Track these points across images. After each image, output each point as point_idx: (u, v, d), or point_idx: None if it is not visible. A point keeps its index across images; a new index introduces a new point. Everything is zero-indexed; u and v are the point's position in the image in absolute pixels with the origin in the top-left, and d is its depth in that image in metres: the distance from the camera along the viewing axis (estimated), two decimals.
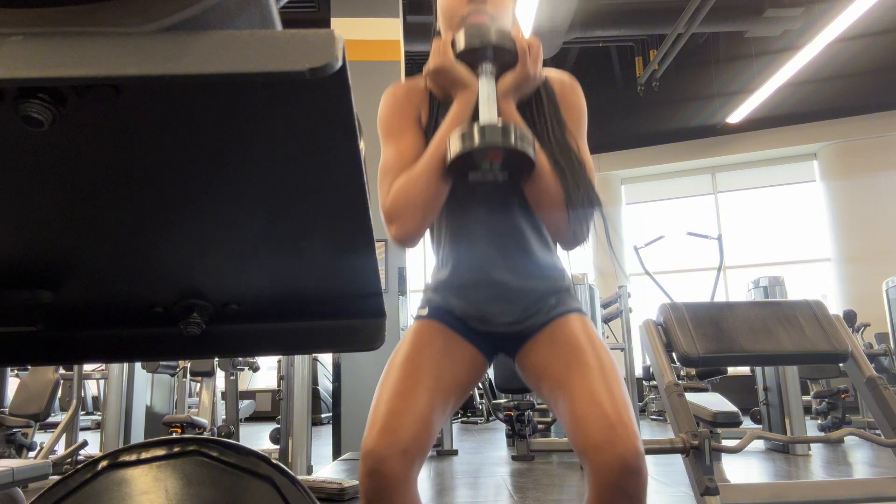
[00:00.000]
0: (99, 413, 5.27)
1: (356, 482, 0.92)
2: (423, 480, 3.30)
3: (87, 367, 4.94)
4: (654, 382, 6.12)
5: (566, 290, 1.18)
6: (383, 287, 0.74)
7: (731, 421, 3.54)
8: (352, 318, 0.64)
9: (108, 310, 0.62)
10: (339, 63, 0.31)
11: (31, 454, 3.72)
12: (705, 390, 4.39)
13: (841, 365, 1.69)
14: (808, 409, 4.80)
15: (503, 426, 5.14)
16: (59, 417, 4.54)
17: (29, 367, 4.17)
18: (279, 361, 4.17)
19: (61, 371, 4.18)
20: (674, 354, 1.68)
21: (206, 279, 0.56)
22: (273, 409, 8.00)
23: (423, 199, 1.06)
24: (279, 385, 3.89)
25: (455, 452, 4.45)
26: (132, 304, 0.60)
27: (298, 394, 3.51)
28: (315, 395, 7.77)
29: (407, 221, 1.06)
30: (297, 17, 7.10)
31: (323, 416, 8.09)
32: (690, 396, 3.25)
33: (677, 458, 1.54)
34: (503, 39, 1.06)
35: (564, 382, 1.03)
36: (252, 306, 0.61)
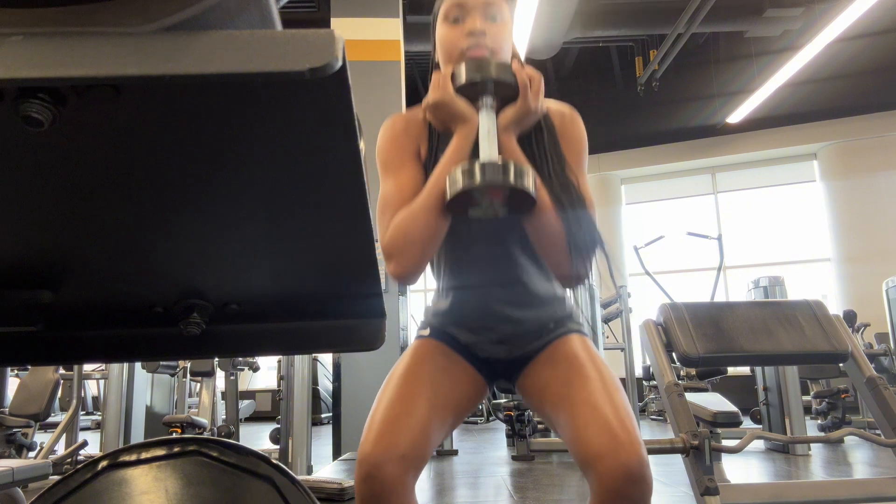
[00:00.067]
0: (99, 413, 5.27)
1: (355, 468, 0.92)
2: (423, 480, 3.30)
3: (87, 367, 4.94)
4: (654, 382, 6.11)
5: (567, 316, 1.19)
6: (383, 287, 0.74)
7: (731, 421, 3.54)
8: (352, 318, 0.64)
9: (108, 310, 0.62)
10: (339, 63, 0.31)
11: (31, 454, 3.72)
12: (705, 390, 4.39)
13: (841, 365, 1.69)
14: (808, 409, 4.80)
15: (503, 426, 5.14)
16: (59, 417, 4.54)
17: (29, 367, 4.17)
18: (279, 361, 4.18)
19: (61, 371, 4.18)
20: (674, 354, 1.68)
21: (206, 279, 0.56)
22: (273, 409, 8.00)
23: (422, 235, 1.04)
24: (279, 385, 3.89)
25: (455, 452, 4.45)
26: (132, 304, 0.60)
27: (298, 394, 3.51)
28: (315, 395, 7.76)
29: (406, 258, 1.04)
30: (297, 17, 7.10)
31: (323, 416, 8.09)
32: (690, 396, 3.26)
33: (677, 458, 1.54)
34: (503, 73, 1.04)
35: (565, 397, 1.02)
36: (252, 306, 0.61)
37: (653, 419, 7.22)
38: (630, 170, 9.94)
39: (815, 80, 8.30)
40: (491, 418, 7.46)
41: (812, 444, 4.23)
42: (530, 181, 0.96)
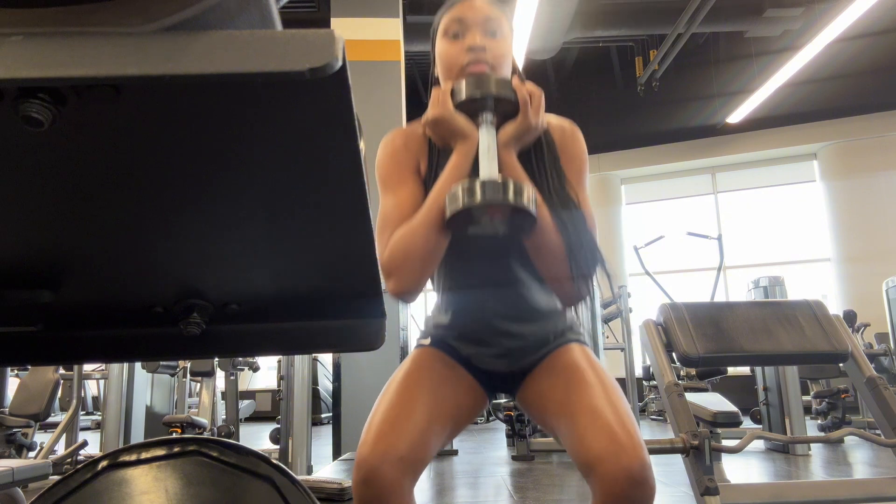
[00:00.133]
0: (99, 413, 5.27)
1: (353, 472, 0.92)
2: (423, 480, 3.30)
3: (87, 367, 4.94)
4: (654, 382, 6.11)
5: (568, 328, 1.18)
6: (383, 287, 0.74)
7: (731, 421, 3.53)
8: (352, 318, 0.64)
9: (108, 310, 0.61)
10: (339, 63, 0.31)
11: (31, 454, 3.72)
12: (705, 390, 4.39)
13: (841, 365, 1.69)
14: (808, 409, 4.80)
15: (503, 426, 5.14)
16: (59, 417, 4.54)
17: (29, 367, 4.17)
18: (279, 361, 4.18)
19: (61, 371, 4.18)
20: (674, 354, 1.68)
21: (206, 279, 0.56)
22: (273, 409, 8.00)
23: (421, 253, 1.03)
24: (279, 385, 3.89)
25: (455, 452, 4.45)
26: (132, 304, 0.60)
27: (298, 394, 3.51)
28: (315, 395, 7.77)
29: (405, 276, 1.03)
30: (297, 17, 7.10)
31: (323, 416, 8.09)
32: (690, 396, 3.25)
33: (677, 458, 1.54)
34: (504, 89, 1.03)
35: (565, 404, 1.02)
36: (252, 306, 0.61)
37: (653, 419, 7.22)
38: (630, 170, 9.94)
39: (815, 80, 8.30)
40: (491, 418, 7.46)
41: (812, 444, 4.23)
42: (531, 199, 0.95)
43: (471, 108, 1.05)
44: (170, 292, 0.57)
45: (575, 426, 0.96)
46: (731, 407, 3.69)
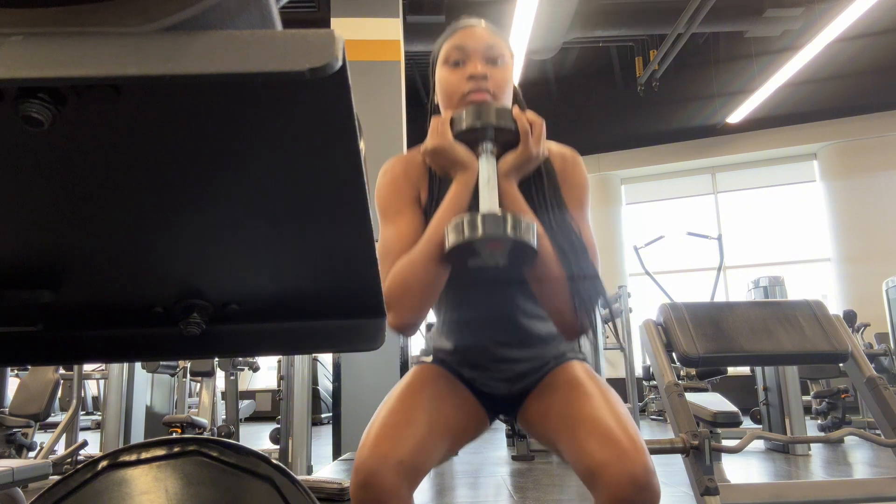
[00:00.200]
0: (99, 413, 5.27)
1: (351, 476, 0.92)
2: (423, 480, 3.30)
3: (87, 367, 4.94)
4: (654, 382, 6.11)
5: (569, 349, 1.18)
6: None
7: (731, 421, 3.54)
8: (352, 318, 0.64)
9: (108, 310, 0.62)
10: (339, 63, 0.31)
11: (31, 454, 3.72)
12: (705, 390, 4.39)
13: (841, 365, 1.69)
14: (808, 409, 4.80)
15: (503, 426, 5.14)
16: (59, 417, 4.54)
17: (29, 367, 4.18)
18: (279, 361, 4.18)
19: (61, 371, 4.18)
20: (674, 354, 1.68)
21: (206, 279, 0.56)
22: (273, 409, 8.00)
23: (420, 286, 1.01)
24: (279, 385, 3.89)
25: (455, 452, 4.45)
26: (132, 304, 0.60)
27: (298, 394, 3.51)
28: (315, 395, 7.77)
29: (405, 309, 1.01)
30: (297, 17, 7.10)
31: (323, 416, 8.09)
32: (690, 396, 3.25)
33: (677, 458, 1.54)
34: (504, 119, 1.02)
35: (566, 416, 1.01)
36: (252, 306, 0.61)
37: (653, 419, 7.22)
38: (630, 170, 9.94)
39: (815, 80, 8.30)
40: None
41: (812, 444, 4.23)
42: (532, 233, 0.93)
43: (470, 138, 1.03)
44: (170, 292, 0.57)
45: (576, 435, 0.95)
46: (731, 407, 3.69)
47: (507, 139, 1.04)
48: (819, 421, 5.49)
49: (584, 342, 1.14)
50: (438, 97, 1.16)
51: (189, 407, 5.31)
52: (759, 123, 8.83)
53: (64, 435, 3.74)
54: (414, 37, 6.84)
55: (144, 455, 0.75)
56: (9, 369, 4.13)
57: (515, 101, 1.18)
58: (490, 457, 4.39)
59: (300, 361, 3.55)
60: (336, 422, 4.15)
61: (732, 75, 8.96)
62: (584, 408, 0.99)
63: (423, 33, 6.98)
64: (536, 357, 1.16)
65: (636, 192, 10.17)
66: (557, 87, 9.55)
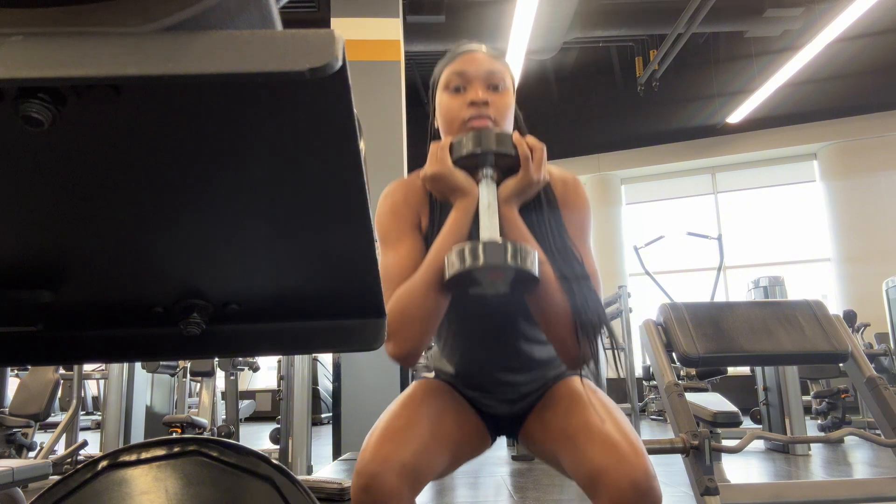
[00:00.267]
0: (99, 413, 5.27)
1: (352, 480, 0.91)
2: None
3: (87, 367, 4.94)
4: (654, 382, 6.11)
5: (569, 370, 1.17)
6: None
7: (731, 421, 3.53)
8: (352, 318, 0.64)
9: (108, 310, 0.61)
10: (339, 63, 0.31)
11: (31, 454, 3.72)
12: (705, 390, 4.39)
13: (841, 365, 1.69)
14: (808, 409, 4.80)
15: None
16: (59, 417, 4.54)
17: (29, 367, 4.18)
18: (279, 361, 4.18)
19: (61, 371, 4.18)
20: (674, 354, 1.68)
21: (206, 279, 0.56)
22: (273, 409, 8.00)
23: (420, 315, 0.99)
24: (279, 385, 3.89)
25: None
26: (132, 304, 0.60)
27: (298, 394, 3.51)
28: (315, 395, 7.77)
29: (405, 339, 0.99)
30: (297, 17, 7.10)
31: (323, 416, 8.09)
32: (690, 396, 3.25)
33: (677, 458, 1.54)
34: (504, 145, 1.00)
35: (565, 427, 1.01)
36: (252, 306, 0.61)
37: (653, 419, 7.22)
38: (630, 170, 9.94)
39: (815, 80, 8.30)
40: None
41: (812, 444, 4.23)
42: (533, 261, 0.92)
43: (470, 164, 1.02)
44: (170, 292, 0.57)
45: (576, 443, 0.95)
46: (731, 407, 3.69)
47: (507, 164, 1.02)
48: (819, 421, 5.49)
49: (586, 372, 1.13)
50: (439, 122, 1.14)
51: (189, 407, 5.31)
52: (759, 123, 8.83)
53: (64, 435, 3.74)
54: (414, 37, 6.84)
55: (144, 455, 0.75)
56: (9, 369, 4.13)
57: (516, 125, 1.16)
58: (490, 457, 4.39)
59: (300, 361, 3.55)
60: (336, 422, 4.15)
61: (732, 75, 8.96)
62: (583, 417, 0.98)
63: (423, 33, 6.98)
64: (538, 379, 1.17)
65: (636, 192, 10.17)
66: (557, 87, 9.55)
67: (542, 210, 1.08)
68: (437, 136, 1.16)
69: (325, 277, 0.57)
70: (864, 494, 1.49)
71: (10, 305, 0.55)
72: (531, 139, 1.05)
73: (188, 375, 4.90)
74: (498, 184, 1.03)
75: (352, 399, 4.08)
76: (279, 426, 3.84)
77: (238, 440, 3.10)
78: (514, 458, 4.14)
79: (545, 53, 7.66)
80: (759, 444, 4.41)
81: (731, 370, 6.45)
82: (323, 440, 5.23)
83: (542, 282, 0.96)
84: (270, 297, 0.61)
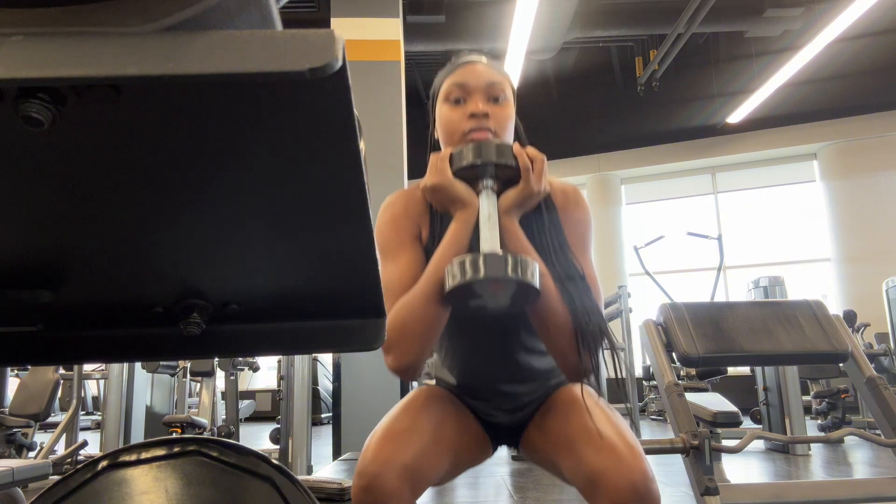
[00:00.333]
0: (99, 413, 5.27)
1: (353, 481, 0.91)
2: None
3: (87, 367, 4.94)
4: (654, 382, 6.11)
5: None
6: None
7: (731, 421, 3.53)
8: (352, 318, 0.64)
9: (108, 310, 0.62)
10: (339, 63, 0.31)
11: (31, 454, 3.72)
12: (705, 390, 4.39)
13: (841, 365, 1.69)
14: (808, 409, 4.80)
15: None
16: (59, 417, 4.54)
17: (29, 367, 4.18)
18: (279, 361, 4.18)
19: (61, 371, 4.18)
20: (674, 354, 1.68)
21: (206, 279, 0.56)
22: (273, 409, 8.00)
23: (420, 327, 0.98)
24: (279, 385, 3.89)
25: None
26: (132, 304, 0.60)
27: (298, 394, 3.51)
28: (315, 395, 7.77)
29: (405, 352, 0.98)
30: (297, 17, 7.10)
31: (323, 416, 8.09)
32: (690, 396, 3.25)
33: (677, 458, 1.54)
34: (504, 156, 0.99)
35: (563, 433, 1.00)
36: (252, 306, 0.61)
37: (653, 419, 7.22)
38: (630, 170, 9.95)
39: (815, 80, 8.30)
40: None
41: (812, 444, 4.23)
42: (534, 273, 0.91)
43: (470, 175, 1.01)
44: (170, 292, 0.57)
45: (574, 447, 0.95)
46: (731, 407, 3.69)
47: (507, 176, 1.01)
48: (819, 421, 5.49)
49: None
50: (439, 134, 1.14)
51: (189, 407, 5.31)
52: (759, 123, 8.83)
53: (64, 435, 3.74)
54: (414, 37, 6.84)
55: (144, 455, 0.75)
56: (9, 369, 4.13)
57: (517, 136, 1.15)
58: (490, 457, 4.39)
59: (300, 361, 3.55)
60: (336, 422, 4.15)
61: (732, 75, 8.96)
62: (581, 422, 0.98)
63: (423, 33, 6.98)
64: (539, 388, 1.17)
65: (636, 192, 10.17)
66: (557, 87, 9.55)
67: (542, 221, 1.07)
68: (436, 147, 1.15)
69: (325, 277, 0.57)
70: (864, 494, 1.49)
71: (10, 305, 0.55)
72: (531, 150, 1.04)
73: (188, 375, 4.90)
74: (498, 195, 1.02)
75: (352, 399, 4.08)
76: (279, 426, 3.84)
77: (238, 440, 3.10)
78: (514, 458, 4.13)
79: (545, 53, 7.66)
80: (759, 444, 4.41)
81: (731, 370, 6.45)
82: (323, 440, 5.23)
83: (543, 294, 0.96)
84: (270, 297, 0.61)
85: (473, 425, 1.16)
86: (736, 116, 8.51)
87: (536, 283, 0.91)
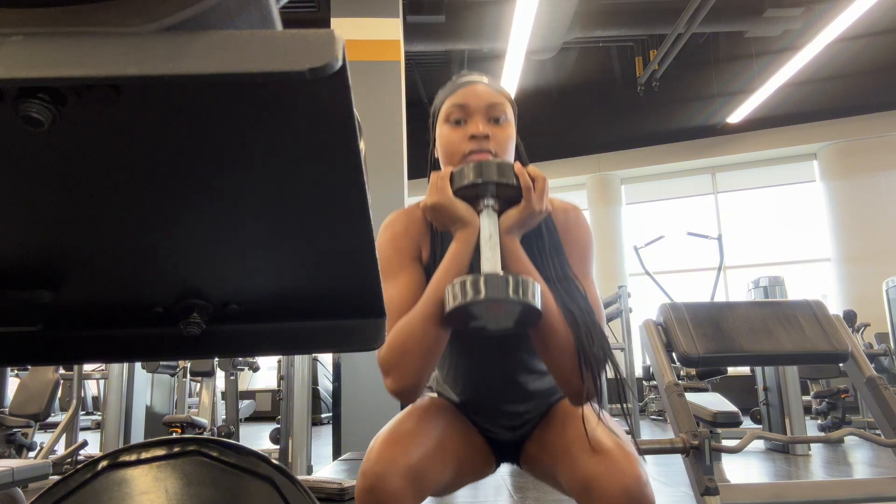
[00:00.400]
0: (99, 413, 5.27)
1: (355, 482, 0.90)
2: None
3: (87, 367, 4.94)
4: (654, 382, 6.11)
5: None
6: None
7: (731, 421, 3.53)
8: (352, 318, 0.64)
9: (108, 310, 0.61)
10: (339, 63, 0.31)
11: (31, 454, 3.72)
12: (705, 390, 4.39)
13: (841, 365, 1.69)
14: (808, 409, 4.80)
15: None
16: (59, 417, 4.54)
17: (29, 367, 4.18)
18: (279, 361, 4.18)
19: (61, 371, 4.18)
20: (674, 354, 1.68)
21: (206, 279, 0.56)
22: (273, 409, 8.00)
23: (419, 349, 0.96)
24: (279, 385, 3.89)
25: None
26: (132, 304, 0.60)
27: (298, 394, 3.51)
28: (315, 395, 7.77)
29: (405, 374, 0.96)
30: (297, 17, 7.10)
31: (323, 416, 8.09)
32: (690, 396, 3.25)
33: (677, 458, 1.54)
34: (506, 175, 0.98)
35: (560, 442, 1.01)
36: (252, 306, 0.61)
37: (653, 419, 7.22)
38: (630, 170, 9.95)
39: (815, 80, 8.30)
40: None
41: (812, 444, 4.23)
42: (536, 295, 0.89)
43: (471, 194, 1.00)
44: (170, 292, 0.57)
45: (569, 453, 0.95)
46: (731, 407, 3.69)
47: (508, 195, 1.00)
48: (819, 421, 5.49)
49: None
50: (439, 154, 1.13)
51: (189, 407, 5.31)
52: (759, 123, 8.83)
53: (64, 435, 3.74)
54: (414, 37, 6.84)
55: (144, 455, 0.75)
56: (9, 369, 4.13)
57: (518, 155, 1.15)
58: None
59: (300, 361, 3.55)
60: (336, 422, 4.15)
61: (732, 75, 8.96)
62: (578, 429, 0.98)
63: (423, 33, 6.98)
64: (540, 406, 1.17)
65: (636, 192, 10.17)
66: (558, 87, 9.55)
67: (543, 241, 1.06)
68: (437, 167, 1.14)
69: (325, 277, 0.57)
70: (864, 494, 1.49)
71: (10, 305, 0.55)
72: (532, 169, 1.03)
73: (188, 375, 4.90)
74: (499, 214, 1.01)
75: (352, 399, 4.08)
76: (279, 426, 3.84)
77: (238, 440, 3.10)
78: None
79: (545, 53, 7.66)
80: (759, 444, 4.41)
81: (731, 370, 6.45)
82: (323, 440, 5.23)
83: (544, 315, 0.94)
84: (270, 297, 0.61)
85: (477, 438, 1.16)
86: (736, 116, 8.51)
87: (538, 303, 0.90)
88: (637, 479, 0.87)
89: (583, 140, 9.76)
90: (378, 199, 4.19)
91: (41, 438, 3.86)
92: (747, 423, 5.69)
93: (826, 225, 8.94)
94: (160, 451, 0.76)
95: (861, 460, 3.86)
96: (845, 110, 8.74)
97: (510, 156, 1.10)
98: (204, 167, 0.40)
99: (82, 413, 6.14)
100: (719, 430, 3.64)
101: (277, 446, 3.82)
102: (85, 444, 3.56)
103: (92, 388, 8.02)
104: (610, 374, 1.00)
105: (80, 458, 3.53)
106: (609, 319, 5.45)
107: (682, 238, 6.81)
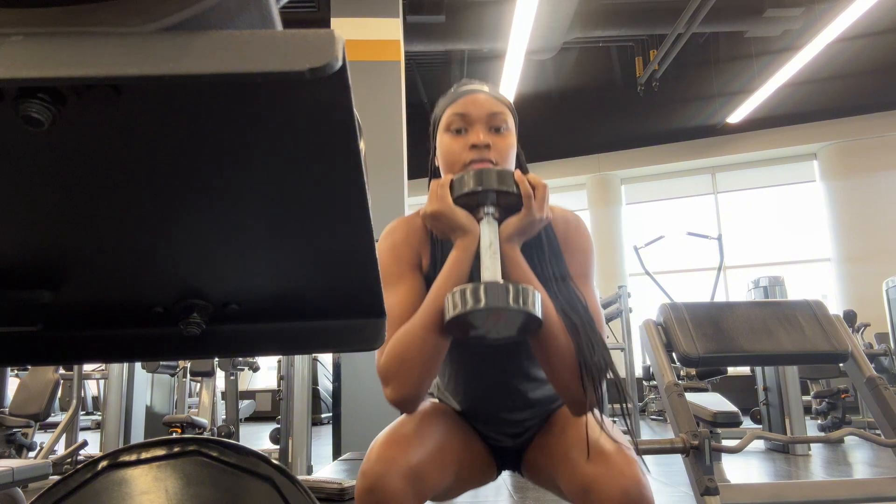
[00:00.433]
0: (99, 413, 5.27)
1: (355, 482, 0.90)
2: None
3: (87, 367, 4.94)
4: (654, 382, 6.11)
5: None
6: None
7: (731, 421, 3.53)
8: (352, 318, 0.64)
9: (108, 310, 0.62)
10: (339, 63, 0.31)
11: (31, 454, 3.72)
12: (705, 390, 4.39)
13: (841, 365, 1.69)
14: (808, 409, 4.80)
15: None
16: (59, 417, 4.54)
17: (29, 367, 4.18)
18: (279, 361, 4.18)
19: (61, 371, 4.18)
20: (674, 354, 1.68)
21: (207, 279, 0.56)
22: (273, 409, 8.00)
23: (419, 358, 0.96)
24: (279, 385, 3.89)
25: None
26: (132, 304, 0.60)
27: (298, 394, 3.51)
28: (315, 395, 7.77)
29: (404, 383, 0.96)
30: (297, 17, 7.10)
31: (323, 416, 8.09)
32: (690, 396, 3.25)
33: (677, 458, 1.54)
34: (506, 183, 0.98)
35: (560, 446, 1.01)
36: (252, 306, 0.61)
37: (653, 419, 7.22)
38: (630, 170, 9.95)
39: (815, 80, 8.30)
40: None
41: (812, 444, 4.23)
42: (536, 303, 0.89)
43: (471, 202, 1.00)
44: (170, 292, 0.57)
45: (569, 459, 0.95)
46: (731, 407, 3.69)
47: (509, 203, 1.00)
48: (819, 421, 5.49)
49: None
50: (440, 163, 1.13)
51: (189, 407, 5.31)
52: (759, 123, 8.83)
53: (64, 435, 3.74)
54: (414, 37, 6.84)
55: (144, 455, 0.75)
56: (9, 369, 4.13)
57: (518, 163, 1.14)
58: None
59: (300, 361, 3.55)
60: (336, 422, 4.15)
61: (732, 75, 8.96)
62: (577, 434, 0.98)
63: (423, 33, 6.98)
64: (541, 413, 1.18)
65: (636, 192, 10.17)
66: (557, 88, 9.55)
67: (543, 249, 1.06)
68: (437, 175, 1.14)
69: (325, 277, 0.57)
70: (864, 494, 1.49)
71: (10, 305, 0.55)
72: (533, 177, 1.02)
73: (188, 375, 4.90)
74: (499, 222, 1.00)
75: (352, 399, 4.08)
76: (279, 426, 3.84)
77: (238, 440, 3.10)
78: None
79: (545, 53, 7.66)
80: (759, 444, 4.41)
81: (731, 370, 6.45)
82: (323, 440, 5.23)
83: (545, 323, 0.94)
84: (270, 297, 0.61)
85: (478, 444, 1.16)
86: (736, 116, 8.51)
87: (538, 312, 0.89)
88: (636, 481, 0.87)
89: (583, 140, 9.77)
90: (378, 199, 4.19)
91: (41, 438, 3.86)
92: (747, 423, 5.69)
93: (826, 225, 8.94)
94: (160, 451, 0.76)
95: (861, 460, 3.86)
96: (845, 110, 8.74)
97: (511, 164, 1.10)
98: (204, 167, 0.40)
99: (82, 413, 6.14)
100: (719, 430, 3.64)
101: (277, 446, 3.82)
102: (85, 444, 3.56)
103: (92, 388, 8.02)
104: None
105: (80, 458, 3.53)
106: (609, 319, 5.44)
107: (682, 238, 6.81)
